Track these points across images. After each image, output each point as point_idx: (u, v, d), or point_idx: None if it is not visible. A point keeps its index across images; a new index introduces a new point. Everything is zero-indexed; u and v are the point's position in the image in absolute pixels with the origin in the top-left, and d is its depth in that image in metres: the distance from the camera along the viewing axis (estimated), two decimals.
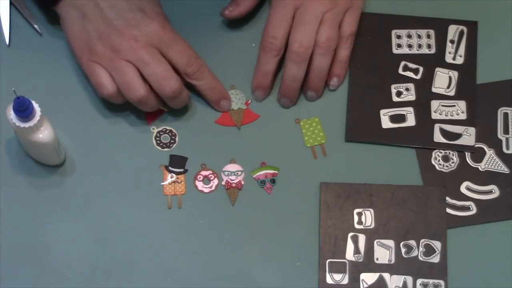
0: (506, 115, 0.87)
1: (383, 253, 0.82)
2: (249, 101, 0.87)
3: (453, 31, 0.90)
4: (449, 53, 0.89)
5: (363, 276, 0.82)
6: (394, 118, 0.87)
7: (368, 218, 0.83)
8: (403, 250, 0.83)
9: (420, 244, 0.83)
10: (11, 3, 0.87)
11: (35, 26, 0.87)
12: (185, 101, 0.84)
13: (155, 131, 0.85)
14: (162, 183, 0.84)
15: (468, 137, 0.86)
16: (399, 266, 0.82)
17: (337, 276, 0.82)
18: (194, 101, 0.87)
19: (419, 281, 0.82)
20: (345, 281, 0.82)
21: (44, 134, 0.77)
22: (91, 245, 0.81)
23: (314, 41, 0.83)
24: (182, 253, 0.82)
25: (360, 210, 0.84)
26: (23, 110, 0.73)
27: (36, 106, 0.74)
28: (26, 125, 0.74)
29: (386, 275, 0.82)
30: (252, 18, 0.89)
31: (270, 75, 0.85)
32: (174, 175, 0.84)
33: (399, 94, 0.88)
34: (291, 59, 0.83)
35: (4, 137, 0.83)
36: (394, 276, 0.82)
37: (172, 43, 0.80)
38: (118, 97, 0.81)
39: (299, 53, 0.83)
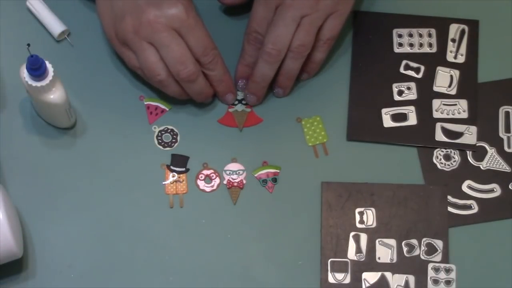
0: (507, 113, 0.87)
1: (385, 252, 0.82)
2: None
3: (454, 30, 0.90)
4: (450, 52, 0.89)
5: (365, 275, 0.82)
6: (396, 117, 0.87)
7: (369, 217, 0.83)
8: (405, 249, 0.83)
9: (422, 243, 0.83)
10: None
11: None
12: (203, 91, 0.83)
13: (157, 130, 0.85)
14: (163, 183, 0.84)
15: (470, 135, 0.86)
16: (401, 265, 0.82)
17: (339, 276, 0.82)
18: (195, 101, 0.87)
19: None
20: (347, 280, 0.81)
21: (56, 95, 0.77)
22: (93, 245, 0.81)
23: (288, 44, 0.82)
24: (184, 252, 0.82)
25: (361, 209, 0.84)
26: (36, 68, 0.74)
27: (49, 66, 0.75)
28: (38, 84, 0.75)
29: (388, 274, 0.82)
30: None
31: (252, 66, 0.85)
32: (176, 174, 0.84)
33: (400, 93, 0.88)
34: (264, 58, 0.82)
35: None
36: (396, 275, 0.82)
37: (192, 29, 0.79)
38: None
39: (271, 54, 0.82)
